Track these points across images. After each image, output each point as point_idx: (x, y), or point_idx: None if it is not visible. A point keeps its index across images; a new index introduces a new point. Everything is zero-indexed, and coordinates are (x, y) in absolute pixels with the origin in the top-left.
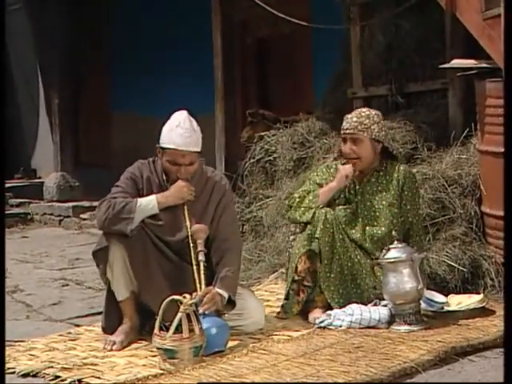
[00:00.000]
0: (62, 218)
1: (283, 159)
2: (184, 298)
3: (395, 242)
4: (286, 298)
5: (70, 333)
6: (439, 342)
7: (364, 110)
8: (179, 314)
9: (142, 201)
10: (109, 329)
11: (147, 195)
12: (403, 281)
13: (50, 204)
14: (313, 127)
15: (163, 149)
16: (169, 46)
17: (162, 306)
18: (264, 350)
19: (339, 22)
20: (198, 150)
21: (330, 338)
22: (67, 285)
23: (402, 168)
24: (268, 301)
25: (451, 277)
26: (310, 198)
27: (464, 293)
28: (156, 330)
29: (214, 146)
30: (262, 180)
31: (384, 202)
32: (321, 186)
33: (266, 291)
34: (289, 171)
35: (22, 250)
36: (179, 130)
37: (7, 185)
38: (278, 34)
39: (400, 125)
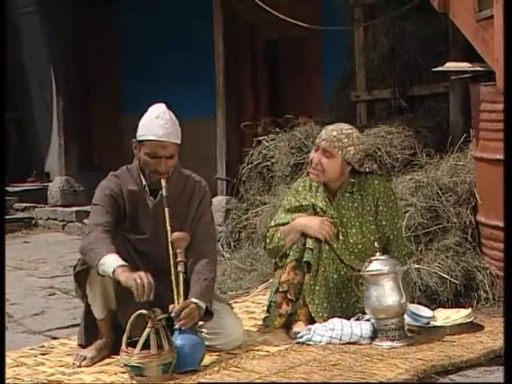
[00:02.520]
0: (65, 222)
1: (280, 164)
2: (153, 312)
3: (377, 254)
4: (268, 311)
5: (42, 346)
6: (419, 359)
7: (347, 127)
8: (147, 330)
9: (106, 261)
10: (85, 344)
11: (130, 209)
12: (385, 294)
13: (53, 209)
14: (311, 132)
15: (141, 142)
16: (176, 47)
17: (130, 320)
18: (237, 367)
19: (347, 24)
20: (179, 142)
21: (306, 355)
22: (54, 294)
23: (376, 182)
24: (253, 313)
25: (443, 289)
26: (278, 235)
27: (456, 306)
28: (123, 346)
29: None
30: (260, 186)
31: (360, 219)
32: (292, 211)
33: (252, 302)
34: (286, 177)
35: (20, 257)
36: (159, 121)
37: (16, 188)
38: (287, 35)
39: (399, 130)
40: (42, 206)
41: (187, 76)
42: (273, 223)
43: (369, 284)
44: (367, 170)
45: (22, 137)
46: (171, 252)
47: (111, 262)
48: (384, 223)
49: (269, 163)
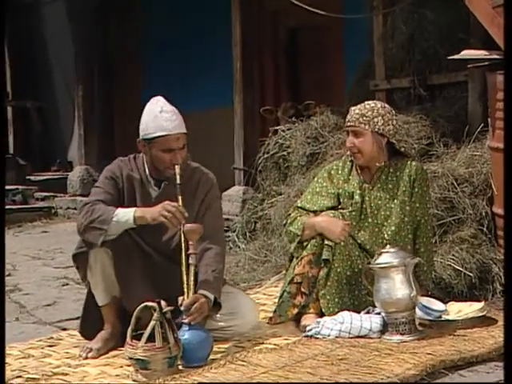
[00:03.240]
0: None
1: (296, 154)
2: (158, 304)
3: (387, 246)
4: (281, 301)
5: (51, 338)
6: (429, 354)
7: (370, 102)
8: (152, 322)
9: (118, 212)
10: (86, 333)
11: (128, 194)
12: (395, 288)
13: (73, 198)
14: (327, 121)
15: (150, 140)
16: (196, 35)
17: (135, 312)
18: (243, 360)
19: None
20: (186, 131)
21: (314, 349)
22: (67, 284)
23: (413, 164)
24: (264, 305)
25: (457, 282)
26: (299, 224)
27: (470, 299)
28: (128, 339)
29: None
30: (275, 176)
31: (395, 200)
32: (321, 195)
33: (264, 294)
34: (302, 167)
35: (38, 246)
36: (165, 115)
37: (39, 178)
38: (310, 24)
39: (416, 119)
40: (61, 195)
41: (208, 64)
42: (299, 203)
43: (379, 277)
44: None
45: (45, 126)
46: (183, 243)
47: (123, 212)
48: (417, 205)
49: (285, 153)
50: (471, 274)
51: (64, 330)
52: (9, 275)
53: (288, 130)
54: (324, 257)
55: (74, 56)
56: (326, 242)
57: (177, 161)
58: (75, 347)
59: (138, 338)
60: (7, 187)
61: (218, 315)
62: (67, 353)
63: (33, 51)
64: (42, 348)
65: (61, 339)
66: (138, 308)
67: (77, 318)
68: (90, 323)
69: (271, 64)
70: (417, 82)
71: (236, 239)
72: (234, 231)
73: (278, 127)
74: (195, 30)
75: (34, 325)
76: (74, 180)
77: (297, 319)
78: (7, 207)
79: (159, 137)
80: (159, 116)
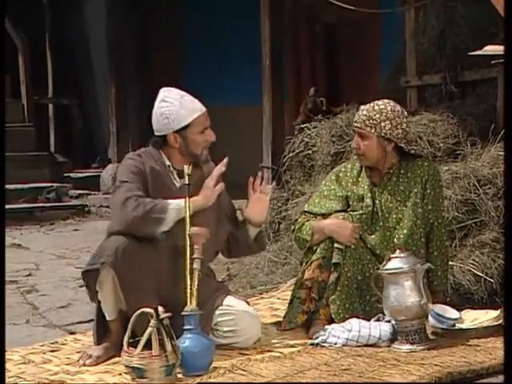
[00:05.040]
0: None
1: (321, 153)
2: (156, 310)
3: (397, 251)
4: (290, 306)
5: (55, 342)
6: (436, 365)
7: (380, 102)
8: (149, 329)
9: (173, 202)
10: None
11: (153, 187)
12: (404, 294)
13: (105, 196)
14: (353, 119)
15: (186, 127)
16: (232, 33)
17: (132, 319)
18: (243, 369)
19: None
20: None
21: (319, 358)
22: (84, 285)
23: (426, 164)
24: (276, 310)
25: (477, 288)
26: (307, 229)
27: (491, 306)
28: (125, 346)
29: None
30: (300, 175)
31: (407, 203)
32: (330, 198)
33: (278, 298)
34: (326, 166)
35: (66, 245)
36: (187, 98)
37: (79, 175)
38: (347, 20)
39: (443, 117)
40: (95, 193)
41: (241, 61)
42: (306, 207)
43: (388, 283)
44: (414, 151)
45: (86, 123)
46: (188, 247)
47: (176, 202)
48: (430, 207)
49: (310, 152)
50: (492, 280)
51: (72, 333)
52: (29, 275)
53: (314, 128)
54: (334, 260)
55: (107, 51)
56: (336, 245)
57: (212, 137)
58: (78, 352)
59: (135, 345)
60: (42, 184)
61: (220, 332)
62: (68, 358)
63: (74, 48)
64: (44, 353)
65: (65, 344)
66: (135, 314)
67: (88, 321)
68: (101, 333)
69: (308, 60)
70: (448, 78)
71: None
72: None
73: (303, 125)
74: (229, 26)
75: (43, 328)
76: (106, 178)
77: (307, 325)
78: (40, 205)
79: (194, 119)
80: (183, 102)
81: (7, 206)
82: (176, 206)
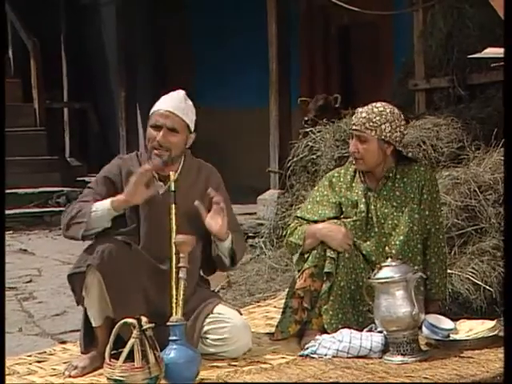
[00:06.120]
0: None
1: (325, 158)
2: (138, 320)
3: (388, 260)
4: (282, 316)
5: (43, 352)
6: (425, 378)
7: (379, 105)
8: (131, 340)
9: (97, 204)
10: (85, 351)
11: None
12: (395, 305)
13: None
14: None
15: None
16: (242, 34)
17: (114, 330)
18: (228, 382)
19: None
20: (186, 120)
21: (306, 370)
22: None
23: (422, 169)
24: (271, 319)
25: (476, 297)
26: (299, 233)
27: (490, 316)
28: (106, 358)
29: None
30: (304, 180)
31: (404, 209)
32: (322, 204)
33: (274, 307)
34: (330, 171)
35: (72, 250)
36: (167, 97)
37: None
38: (361, 21)
39: (447, 121)
40: None
41: (250, 62)
42: (299, 213)
43: (379, 293)
44: (410, 155)
45: (102, 127)
46: (173, 256)
47: (101, 203)
48: (427, 213)
49: (314, 156)
50: (491, 289)
51: (63, 342)
52: (30, 281)
53: (318, 132)
54: (326, 270)
55: (117, 57)
56: (328, 253)
57: (160, 138)
58: (64, 363)
59: (117, 356)
60: (53, 189)
61: (209, 341)
62: (54, 369)
63: (90, 52)
64: (30, 364)
65: (52, 354)
66: (117, 325)
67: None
68: (88, 341)
69: (321, 62)
70: (456, 81)
71: (263, 246)
72: (262, 237)
73: (308, 126)
74: (237, 28)
75: (34, 337)
76: None
77: (300, 335)
78: (50, 209)
79: (153, 112)
80: (163, 98)
81: (17, 211)
82: (98, 208)
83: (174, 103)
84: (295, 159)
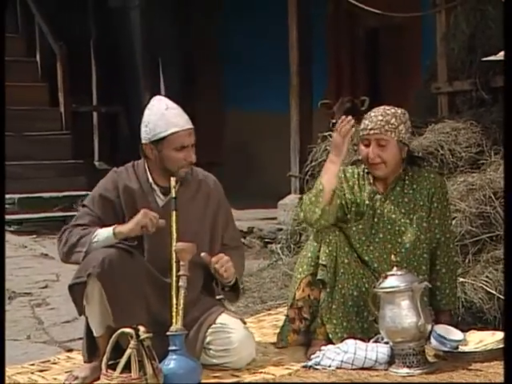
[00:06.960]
0: None
1: (342, 162)
2: (136, 330)
3: (394, 269)
4: (282, 325)
5: (47, 361)
6: None
7: (388, 107)
8: (128, 350)
9: (98, 232)
10: (89, 361)
11: (128, 207)
12: (401, 315)
13: None
14: None
15: (160, 140)
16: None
17: (111, 340)
18: None
19: None
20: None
21: (308, 382)
22: None
23: (432, 176)
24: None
25: (490, 306)
26: (314, 193)
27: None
28: (103, 368)
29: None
30: None
31: (412, 216)
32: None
33: (284, 315)
34: None
35: None
36: (173, 111)
37: None
38: (389, 24)
39: (466, 125)
40: None
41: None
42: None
43: (384, 302)
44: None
45: (132, 131)
46: (174, 264)
47: (102, 231)
48: (437, 222)
49: None
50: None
51: (69, 350)
52: (45, 287)
53: None
54: (319, 277)
55: (142, 60)
56: (320, 260)
57: (191, 158)
58: (66, 372)
59: (113, 367)
60: (77, 193)
61: (212, 351)
62: (55, 379)
63: (119, 56)
64: (32, 373)
65: (55, 363)
66: (115, 334)
67: None
68: (91, 350)
69: (348, 64)
70: (479, 84)
71: (280, 252)
72: (279, 243)
73: (327, 133)
74: (264, 29)
75: (41, 344)
76: None
77: (308, 344)
78: (74, 213)
79: (171, 134)
80: (166, 113)
81: (41, 215)
82: (99, 239)
83: (184, 117)
84: (313, 163)
